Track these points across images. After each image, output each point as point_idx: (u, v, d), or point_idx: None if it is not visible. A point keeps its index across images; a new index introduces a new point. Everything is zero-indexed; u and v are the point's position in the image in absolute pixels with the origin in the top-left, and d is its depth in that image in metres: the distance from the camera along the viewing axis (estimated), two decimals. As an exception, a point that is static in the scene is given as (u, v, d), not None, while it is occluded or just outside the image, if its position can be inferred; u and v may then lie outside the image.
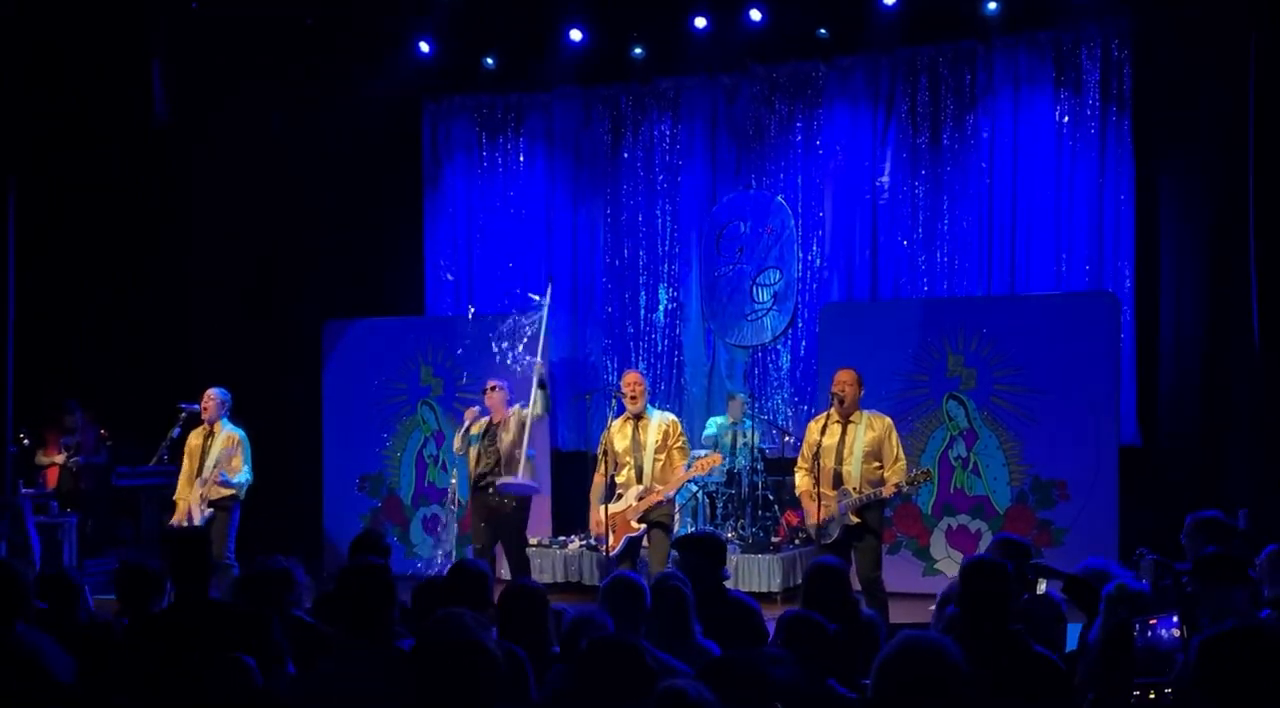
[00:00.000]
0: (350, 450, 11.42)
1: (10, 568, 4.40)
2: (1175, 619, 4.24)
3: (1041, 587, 5.45)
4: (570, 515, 10.42)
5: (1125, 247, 10.21)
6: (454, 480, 9.24)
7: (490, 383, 8.94)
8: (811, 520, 7.44)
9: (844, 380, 7.44)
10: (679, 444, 8.20)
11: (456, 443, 8.97)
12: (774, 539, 9.99)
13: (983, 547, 8.82)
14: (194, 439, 8.94)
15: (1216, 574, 4.73)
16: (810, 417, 8.50)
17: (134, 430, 10.89)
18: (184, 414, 9.20)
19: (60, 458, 11.34)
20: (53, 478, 11.35)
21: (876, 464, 7.37)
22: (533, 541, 10.19)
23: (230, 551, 8.71)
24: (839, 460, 7.38)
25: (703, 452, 9.65)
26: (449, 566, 5.40)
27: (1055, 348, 9.41)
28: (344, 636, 4.10)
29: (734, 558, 9.33)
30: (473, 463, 8.76)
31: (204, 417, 8.91)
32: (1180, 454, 9.86)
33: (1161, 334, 10.09)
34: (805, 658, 3.85)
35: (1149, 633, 4.23)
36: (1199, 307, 9.92)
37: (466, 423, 8.83)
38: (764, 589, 9.41)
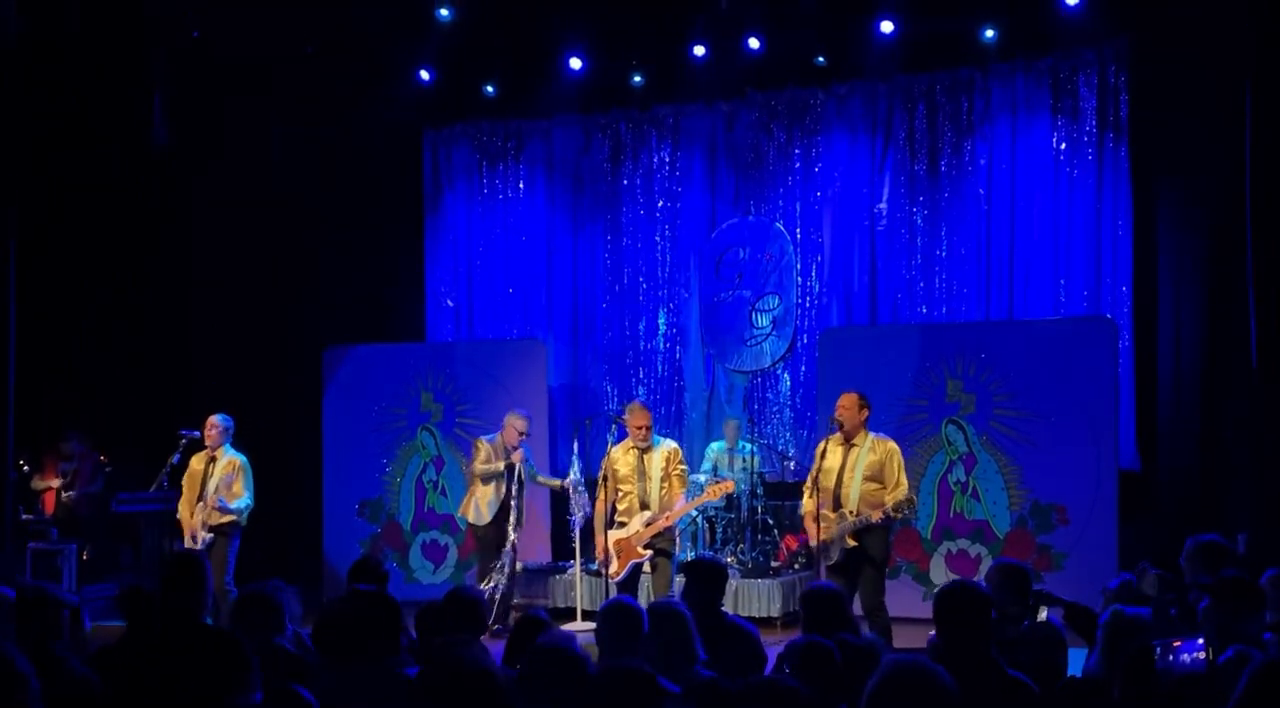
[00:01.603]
0: (350, 476, 11.40)
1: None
2: (1200, 643, 4.13)
3: (1043, 614, 5.44)
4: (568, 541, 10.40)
5: (1123, 272, 10.24)
6: (485, 512, 9.37)
7: (519, 425, 9.36)
8: (814, 541, 7.49)
9: (843, 405, 7.52)
10: (678, 472, 8.29)
11: (485, 470, 9.34)
12: (774, 564, 9.98)
13: (982, 571, 8.80)
14: (196, 464, 8.97)
15: (1236, 599, 4.70)
16: (811, 441, 8.55)
17: (133, 455, 10.89)
18: (184, 441, 9.22)
19: (57, 484, 11.32)
20: (50, 504, 11.33)
21: (877, 486, 7.39)
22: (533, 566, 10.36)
23: (230, 577, 8.71)
24: (839, 482, 7.42)
25: (703, 477, 9.67)
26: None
27: (1054, 373, 9.42)
28: (339, 660, 4.10)
29: (734, 583, 9.32)
30: (490, 498, 9.24)
31: (207, 443, 8.95)
32: (1179, 479, 9.85)
33: (1160, 359, 10.10)
34: (816, 687, 3.83)
35: (1170, 657, 4.13)
36: (1197, 332, 9.93)
37: (516, 463, 9.29)
38: (764, 614, 9.41)
